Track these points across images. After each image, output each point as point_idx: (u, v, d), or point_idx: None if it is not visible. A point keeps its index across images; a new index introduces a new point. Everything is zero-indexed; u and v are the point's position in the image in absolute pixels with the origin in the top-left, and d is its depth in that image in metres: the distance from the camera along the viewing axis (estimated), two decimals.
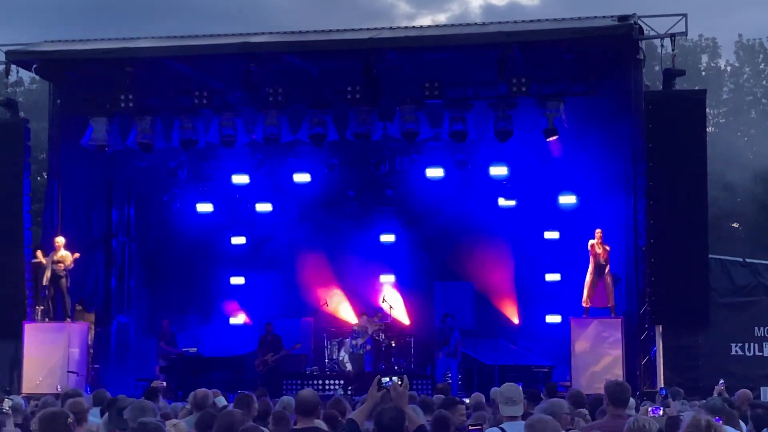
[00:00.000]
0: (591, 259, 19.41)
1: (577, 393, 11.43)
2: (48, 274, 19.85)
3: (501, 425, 7.87)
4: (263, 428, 8.07)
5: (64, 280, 20.09)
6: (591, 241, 19.45)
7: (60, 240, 20.16)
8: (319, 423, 8.19)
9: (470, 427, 6.81)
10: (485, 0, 63.65)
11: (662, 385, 17.78)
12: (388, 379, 6.78)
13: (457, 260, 23.75)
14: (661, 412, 7.05)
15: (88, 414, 8.49)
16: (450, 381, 20.30)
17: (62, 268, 20.01)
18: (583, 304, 19.41)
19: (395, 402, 6.57)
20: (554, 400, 8.82)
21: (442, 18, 60.28)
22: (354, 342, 21.45)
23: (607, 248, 19.40)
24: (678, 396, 13.31)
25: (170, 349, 22.22)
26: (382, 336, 22.17)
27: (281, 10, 56.74)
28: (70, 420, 6.06)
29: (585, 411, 10.08)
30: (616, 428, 7.20)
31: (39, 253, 20.04)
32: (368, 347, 21.27)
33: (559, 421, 8.15)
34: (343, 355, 22.14)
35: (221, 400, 11.91)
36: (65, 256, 20.07)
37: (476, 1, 64.85)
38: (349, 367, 21.77)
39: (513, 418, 7.94)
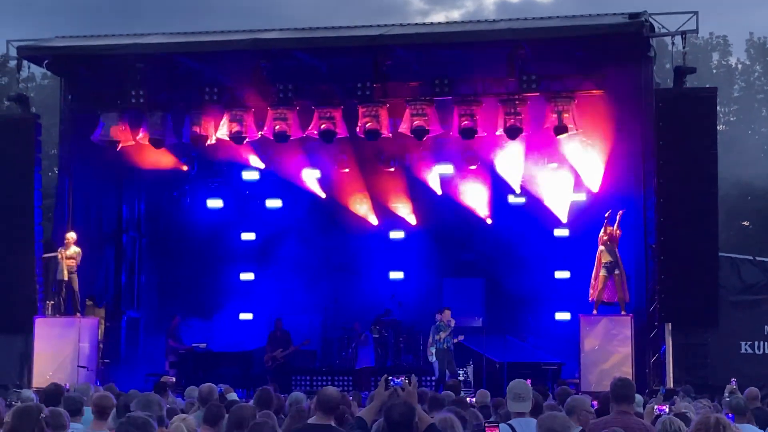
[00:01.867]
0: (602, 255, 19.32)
1: (564, 392, 11.43)
2: (63, 268, 19.94)
3: (509, 422, 7.86)
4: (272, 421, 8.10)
5: (74, 276, 20.16)
6: (604, 237, 19.33)
7: (71, 236, 20.23)
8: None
9: (486, 426, 6.80)
10: None
11: (671, 384, 17.79)
12: (394, 377, 6.77)
13: (467, 257, 23.75)
14: (667, 410, 7.05)
15: (113, 410, 8.48)
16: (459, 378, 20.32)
17: (73, 264, 20.09)
18: (590, 299, 19.39)
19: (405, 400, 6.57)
20: (577, 397, 8.80)
21: (455, 15, 60.23)
22: (437, 337, 20.39)
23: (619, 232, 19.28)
24: (689, 394, 13.32)
25: (176, 345, 22.26)
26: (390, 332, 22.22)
27: (293, 6, 56.69)
28: (43, 415, 6.10)
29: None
30: (621, 424, 7.22)
31: (61, 250, 20.10)
32: (455, 341, 20.29)
33: (579, 418, 8.16)
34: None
35: (233, 396, 11.96)
36: (77, 252, 20.16)
37: None
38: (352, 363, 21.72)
39: (521, 414, 7.94)
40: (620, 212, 19.37)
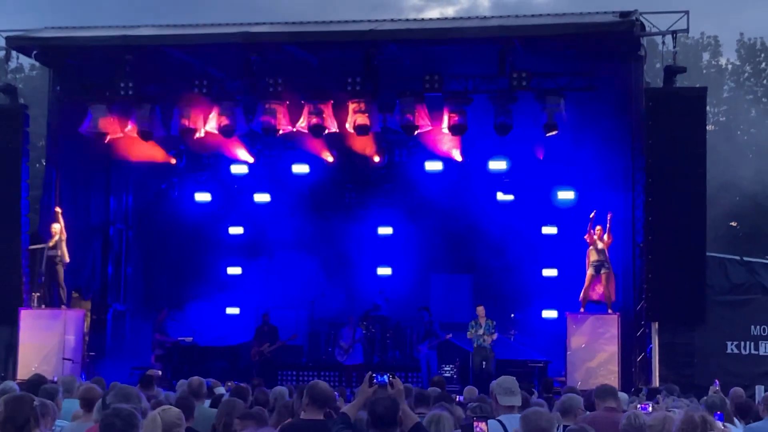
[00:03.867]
0: (590, 254, 19.37)
1: (570, 390, 11.47)
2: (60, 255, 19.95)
3: (499, 417, 7.84)
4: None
5: (58, 267, 20.09)
6: (594, 237, 19.35)
7: (57, 227, 20.16)
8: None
9: (475, 420, 6.77)
10: None
11: (657, 382, 17.81)
12: (378, 374, 6.74)
13: (455, 253, 23.77)
14: (650, 409, 7.04)
15: (99, 402, 8.50)
16: (445, 375, 20.34)
17: (59, 254, 20.02)
18: (582, 300, 19.41)
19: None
20: (571, 395, 8.81)
21: (450, 11, 60.15)
22: (473, 333, 20.01)
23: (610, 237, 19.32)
24: (672, 392, 13.33)
25: (163, 338, 22.19)
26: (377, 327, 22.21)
27: (287, 1, 56.59)
28: (35, 403, 6.09)
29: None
30: (607, 419, 7.23)
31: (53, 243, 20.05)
32: (491, 336, 19.72)
33: (575, 416, 8.15)
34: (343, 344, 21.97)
35: (221, 390, 11.94)
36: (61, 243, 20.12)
37: None
38: (337, 358, 21.64)
39: (510, 408, 7.91)
40: (609, 215, 19.37)
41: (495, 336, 19.90)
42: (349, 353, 21.32)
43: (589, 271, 19.35)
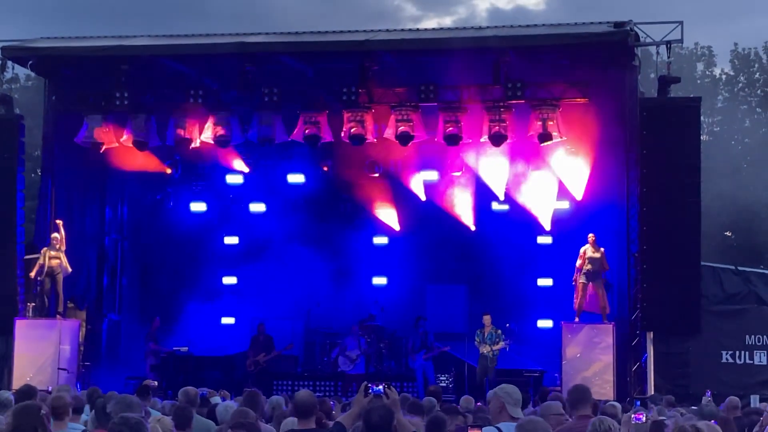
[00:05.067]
0: (583, 265, 19.36)
1: (556, 398, 11.48)
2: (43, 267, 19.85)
3: (498, 425, 7.85)
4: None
5: (58, 277, 20.07)
6: (584, 247, 19.37)
7: (58, 237, 20.15)
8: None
9: (470, 429, 6.80)
10: (492, 4, 63.76)
11: (652, 392, 17.85)
12: (373, 384, 6.77)
13: (450, 264, 23.76)
14: (644, 419, 7.03)
15: (70, 409, 8.50)
16: (441, 384, 20.33)
17: (57, 264, 19.99)
18: (576, 308, 19.41)
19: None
20: (548, 403, 8.83)
21: (447, 21, 60.31)
22: (478, 342, 20.01)
23: (602, 250, 19.32)
24: (658, 402, 13.34)
25: (157, 348, 22.15)
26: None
27: (284, 11, 56.69)
28: (43, 412, 6.13)
29: None
30: (582, 428, 7.26)
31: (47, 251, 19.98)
32: (497, 346, 19.72)
33: (550, 423, 8.15)
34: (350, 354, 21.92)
35: (216, 400, 11.94)
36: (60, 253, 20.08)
37: (483, 5, 64.97)
38: (341, 368, 21.63)
39: (516, 419, 7.90)
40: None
41: (500, 345, 19.94)
42: (356, 363, 21.31)
43: (581, 280, 19.28)
